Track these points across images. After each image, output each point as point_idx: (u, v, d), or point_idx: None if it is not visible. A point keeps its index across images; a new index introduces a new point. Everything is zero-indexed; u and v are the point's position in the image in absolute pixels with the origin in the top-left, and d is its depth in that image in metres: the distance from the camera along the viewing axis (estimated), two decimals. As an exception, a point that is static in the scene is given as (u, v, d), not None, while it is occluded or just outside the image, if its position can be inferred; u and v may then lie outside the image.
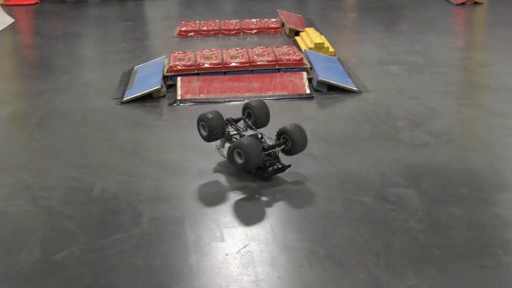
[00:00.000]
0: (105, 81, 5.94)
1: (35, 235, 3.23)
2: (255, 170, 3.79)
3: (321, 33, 7.32)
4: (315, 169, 3.94)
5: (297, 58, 5.86)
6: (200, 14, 9.18)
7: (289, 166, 3.84)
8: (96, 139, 4.54)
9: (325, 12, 9.35)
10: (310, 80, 5.62)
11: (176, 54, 6.08)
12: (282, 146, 3.83)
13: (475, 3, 9.32)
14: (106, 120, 4.91)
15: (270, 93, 5.40)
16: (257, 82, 5.54)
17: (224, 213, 3.43)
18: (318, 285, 2.81)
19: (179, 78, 5.57)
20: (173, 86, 5.58)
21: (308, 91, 5.40)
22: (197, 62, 5.79)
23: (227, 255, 3.03)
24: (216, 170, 3.95)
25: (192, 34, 7.81)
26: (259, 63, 5.79)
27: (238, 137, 3.90)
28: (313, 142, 4.32)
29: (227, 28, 7.90)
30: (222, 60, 5.85)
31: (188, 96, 5.35)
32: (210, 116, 3.87)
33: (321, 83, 5.46)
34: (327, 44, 6.76)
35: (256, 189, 3.69)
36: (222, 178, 3.84)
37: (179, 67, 5.72)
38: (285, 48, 6.19)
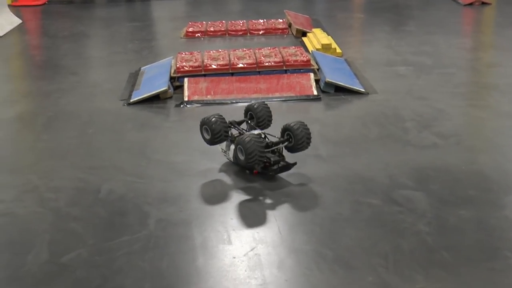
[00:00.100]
0: (112, 81, 5.94)
1: (43, 237, 3.23)
2: (261, 169, 3.79)
3: (328, 34, 7.30)
4: (322, 170, 3.92)
5: (304, 59, 5.85)
6: (207, 14, 9.17)
7: (295, 163, 3.83)
8: (103, 140, 4.54)
9: (332, 12, 9.33)
10: (317, 81, 5.61)
11: (183, 55, 6.08)
12: (286, 143, 3.83)
13: (483, 3, 9.28)
14: (113, 121, 4.91)
15: (277, 94, 5.39)
16: (264, 83, 5.53)
17: (231, 215, 3.41)
18: (326, 288, 2.79)
19: (186, 79, 5.56)
20: (180, 87, 5.57)
21: (315, 92, 5.38)
22: (204, 63, 5.79)
23: (234, 257, 3.02)
24: (222, 171, 3.94)
25: (199, 34, 7.80)
26: (266, 64, 5.78)
27: (240, 137, 3.92)
28: (320, 143, 4.31)
29: (234, 28, 7.88)
30: (229, 61, 5.84)
31: (195, 97, 5.35)
32: (213, 119, 3.88)
33: (329, 84, 5.44)
34: (334, 45, 6.74)
35: (263, 190, 3.68)
36: (228, 179, 3.83)
37: (186, 68, 5.71)
38: (292, 49, 6.18)
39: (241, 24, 8.03)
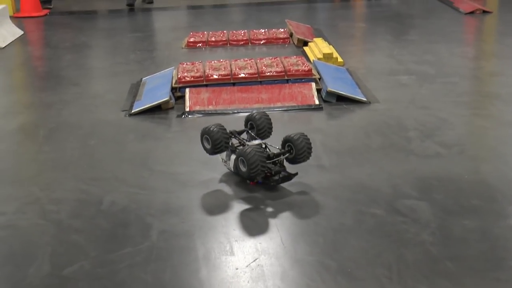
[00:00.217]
0: (114, 92, 5.94)
1: (45, 249, 3.22)
2: (262, 180, 3.78)
3: (330, 43, 7.30)
4: (325, 180, 3.91)
5: (306, 68, 5.85)
6: (209, 24, 9.19)
7: (296, 174, 3.82)
8: (105, 151, 4.53)
9: (333, 22, 9.34)
10: (319, 90, 5.60)
11: (184, 65, 6.08)
12: (287, 155, 3.82)
13: (484, 12, 9.28)
14: (115, 132, 4.91)
15: (279, 104, 5.38)
16: (266, 93, 5.52)
17: (234, 226, 3.40)
18: (330, 299, 2.77)
19: (187, 90, 5.56)
20: (182, 97, 5.57)
21: (317, 102, 5.37)
22: (206, 73, 5.78)
23: (237, 269, 3.00)
24: (223, 181, 3.93)
25: (200, 45, 7.81)
26: (268, 74, 5.78)
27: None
28: (323, 153, 4.29)
29: (235, 38, 7.89)
30: (231, 71, 5.83)
31: (197, 108, 5.34)
32: (213, 129, 3.87)
33: (330, 93, 5.43)
34: (336, 54, 6.74)
35: (265, 200, 3.66)
36: (230, 190, 3.82)
37: (188, 79, 5.71)
38: (293, 59, 6.17)
39: (243, 34, 8.04)
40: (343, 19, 9.52)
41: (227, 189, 3.84)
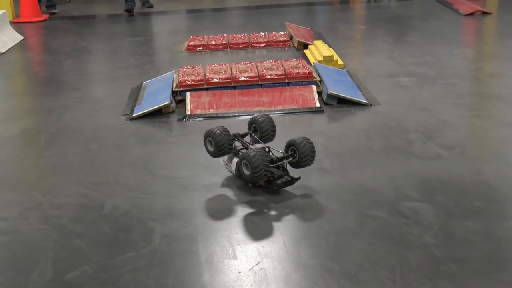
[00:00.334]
0: (115, 97, 5.94)
1: (47, 254, 3.21)
2: (265, 184, 3.78)
3: (330, 46, 7.29)
4: (327, 183, 3.90)
5: (307, 71, 5.85)
6: (208, 28, 9.19)
7: (299, 178, 3.81)
8: (106, 156, 4.53)
9: (333, 24, 9.34)
10: (320, 93, 5.60)
11: (185, 69, 6.08)
12: (290, 159, 3.82)
13: (484, 13, 9.29)
14: (116, 137, 4.90)
15: (280, 107, 5.38)
16: (266, 96, 5.52)
17: (236, 230, 3.39)
18: (334, 302, 2.77)
19: (188, 93, 5.56)
20: (183, 101, 5.57)
21: (318, 105, 5.37)
22: (206, 77, 5.79)
23: (240, 272, 3.00)
24: (226, 185, 3.92)
25: (200, 48, 7.81)
26: (269, 77, 5.78)
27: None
28: (324, 156, 4.29)
29: (235, 42, 7.89)
30: (231, 74, 5.83)
31: (198, 111, 5.34)
32: (217, 131, 3.87)
33: (331, 96, 5.43)
34: (336, 57, 6.74)
35: (267, 204, 3.66)
36: (232, 193, 3.81)
37: (188, 82, 5.71)
38: (294, 62, 6.17)
39: (243, 37, 8.04)
40: (343, 21, 9.53)
41: (229, 192, 3.84)
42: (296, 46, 7.69)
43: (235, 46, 7.83)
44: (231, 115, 5.28)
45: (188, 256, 3.15)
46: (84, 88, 6.38)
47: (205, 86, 5.70)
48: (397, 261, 3.03)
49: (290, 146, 3.85)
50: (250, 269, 3.02)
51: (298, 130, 4.85)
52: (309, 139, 3.84)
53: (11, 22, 9.33)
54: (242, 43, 7.86)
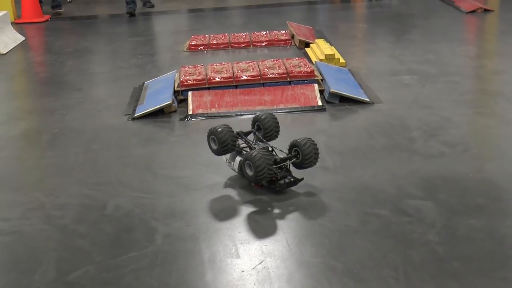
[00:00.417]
0: (116, 97, 5.94)
1: (49, 255, 3.21)
2: (267, 184, 3.77)
3: (332, 44, 7.29)
4: (329, 181, 3.90)
5: (308, 70, 5.84)
6: (210, 27, 9.18)
7: (302, 179, 3.81)
8: (108, 156, 4.53)
9: (334, 23, 9.33)
10: (321, 92, 5.59)
11: (186, 69, 6.07)
12: (293, 160, 3.81)
13: (486, 10, 9.27)
14: (118, 137, 4.90)
15: (282, 106, 5.37)
16: (268, 95, 5.51)
17: (239, 229, 3.39)
18: (337, 301, 2.76)
19: (190, 93, 5.55)
20: (184, 100, 5.56)
21: (320, 103, 5.36)
22: (208, 76, 5.78)
23: (243, 271, 2.99)
24: (228, 185, 3.92)
25: (202, 48, 7.80)
26: (270, 75, 5.77)
27: (248, 151, 3.89)
28: (326, 154, 4.28)
29: (237, 41, 7.88)
30: (233, 73, 5.83)
31: (200, 111, 5.34)
32: (220, 129, 3.86)
33: (333, 94, 5.42)
34: (337, 55, 6.73)
35: (270, 203, 3.65)
36: (234, 193, 3.81)
37: (190, 82, 5.70)
38: (295, 60, 6.17)
39: (244, 37, 8.03)
40: (344, 20, 9.52)
41: (231, 192, 3.83)
42: (297, 45, 7.68)
43: (236, 45, 7.83)
44: (233, 114, 5.28)
45: (191, 256, 3.14)
46: (86, 89, 6.38)
47: (206, 86, 5.69)
48: (400, 259, 3.02)
49: (294, 146, 3.83)
50: (253, 268, 3.01)
51: (300, 128, 4.84)
52: (313, 140, 3.83)
53: (12, 23, 9.34)
54: (244, 42, 7.85)
